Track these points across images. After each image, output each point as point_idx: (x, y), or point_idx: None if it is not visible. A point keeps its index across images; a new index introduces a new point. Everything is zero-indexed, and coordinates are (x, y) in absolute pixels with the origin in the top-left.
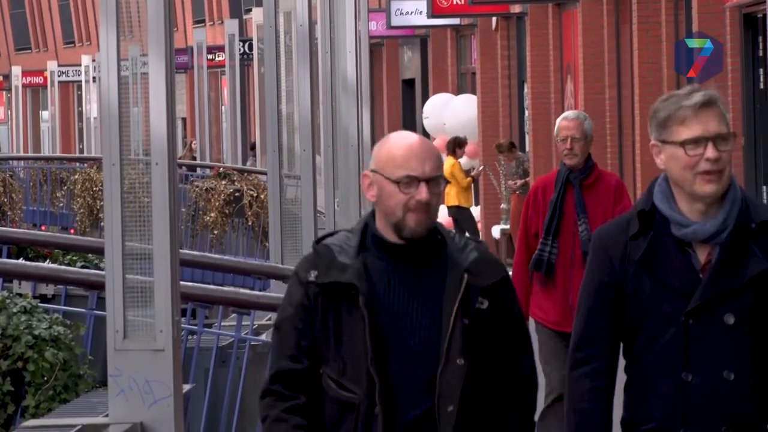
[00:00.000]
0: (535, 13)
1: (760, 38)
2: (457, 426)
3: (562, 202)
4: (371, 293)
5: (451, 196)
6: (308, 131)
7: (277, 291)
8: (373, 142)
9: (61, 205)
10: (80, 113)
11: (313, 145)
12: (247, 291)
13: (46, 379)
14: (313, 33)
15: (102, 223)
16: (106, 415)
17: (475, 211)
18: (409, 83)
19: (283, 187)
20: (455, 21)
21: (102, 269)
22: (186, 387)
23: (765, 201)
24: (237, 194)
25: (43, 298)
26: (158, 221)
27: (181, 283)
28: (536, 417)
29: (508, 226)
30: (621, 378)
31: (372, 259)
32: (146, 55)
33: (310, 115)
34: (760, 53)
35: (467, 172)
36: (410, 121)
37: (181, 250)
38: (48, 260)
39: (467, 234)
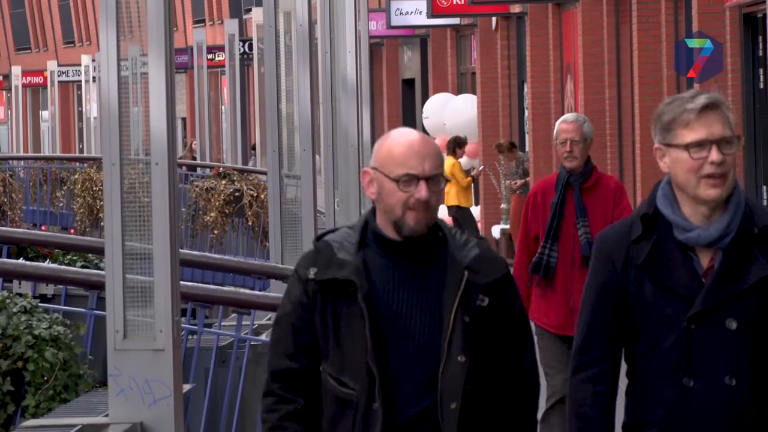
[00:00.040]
0: (535, 13)
1: (760, 38)
2: (460, 423)
3: (563, 205)
4: (370, 289)
5: (451, 196)
6: (308, 131)
7: (277, 291)
8: (373, 142)
9: (61, 205)
10: (80, 113)
11: (313, 145)
12: (247, 291)
13: (46, 379)
14: (313, 33)
15: (102, 223)
16: (106, 415)
17: (475, 211)
18: (409, 83)
19: (283, 187)
20: (455, 21)
21: (102, 269)
22: (186, 387)
23: (765, 201)
24: (237, 194)
25: (43, 298)
26: (158, 221)
27: (181, 283)
28: (538, 417)
29: (508, 226)
30: (623, 382)
31: (372, 255)
32: (146, 55)
33: (310, 115)
34: (760, 53)
35: (467, 172)
36: (410, 121)
37: (181, 250)
38: (48, 260)
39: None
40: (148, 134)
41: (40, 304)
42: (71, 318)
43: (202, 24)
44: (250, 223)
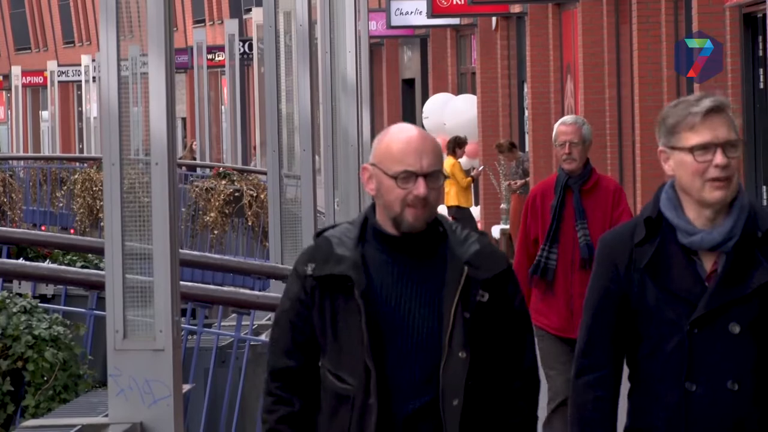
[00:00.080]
0: (535, 13)
1: (760, 38)
2: (462, 419)
3: (562, 207)
4: (368, 285)
5: (451, 196)
6: (308, 131)
7: (276, 291)
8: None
9: (61, 205)
10: (80, 113)
11: (313, 144)
12: (247, 291)
13: (45, 379)
14: (313, 33)
15: (102, 223)
16: (106, 415)
17: (475, 211)
18: (409, 83)
19: (283, 187)
20: (455, 21)
21: (102, 269)
22: (186, 387)
23: (765, 201)
24: (237, 194)
25: (43, 298)
26: (158, 221)
27: (181, 283)
28: (540, 418)
29: (508, 226)
30: (625, 386)
31: (372, 251)
32: (146, 55)
33: (310, 115)
34: (760, 53)
35: (467, 172)
36: (410, 120)
37: (181, 250)
38: (48, 260)
39: None
40: (148, 134)
41: (40, 304)
42: (71, 318)
43: (202, 24)
44: (249, 223)
